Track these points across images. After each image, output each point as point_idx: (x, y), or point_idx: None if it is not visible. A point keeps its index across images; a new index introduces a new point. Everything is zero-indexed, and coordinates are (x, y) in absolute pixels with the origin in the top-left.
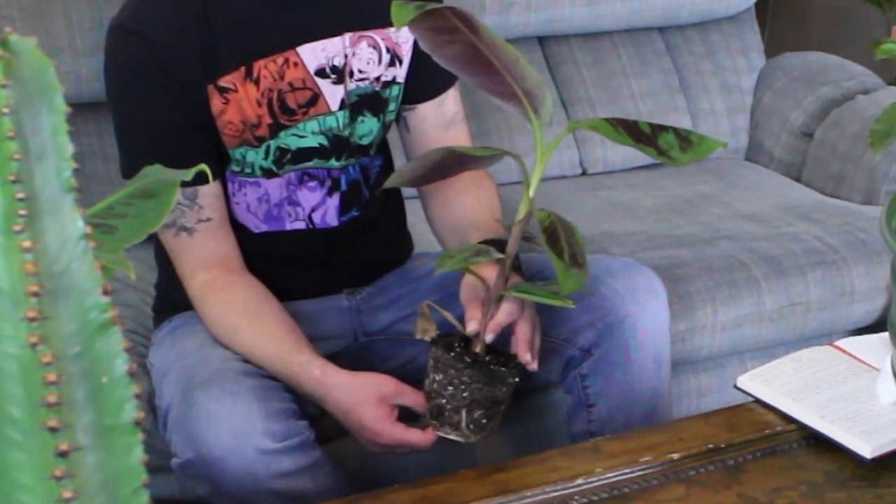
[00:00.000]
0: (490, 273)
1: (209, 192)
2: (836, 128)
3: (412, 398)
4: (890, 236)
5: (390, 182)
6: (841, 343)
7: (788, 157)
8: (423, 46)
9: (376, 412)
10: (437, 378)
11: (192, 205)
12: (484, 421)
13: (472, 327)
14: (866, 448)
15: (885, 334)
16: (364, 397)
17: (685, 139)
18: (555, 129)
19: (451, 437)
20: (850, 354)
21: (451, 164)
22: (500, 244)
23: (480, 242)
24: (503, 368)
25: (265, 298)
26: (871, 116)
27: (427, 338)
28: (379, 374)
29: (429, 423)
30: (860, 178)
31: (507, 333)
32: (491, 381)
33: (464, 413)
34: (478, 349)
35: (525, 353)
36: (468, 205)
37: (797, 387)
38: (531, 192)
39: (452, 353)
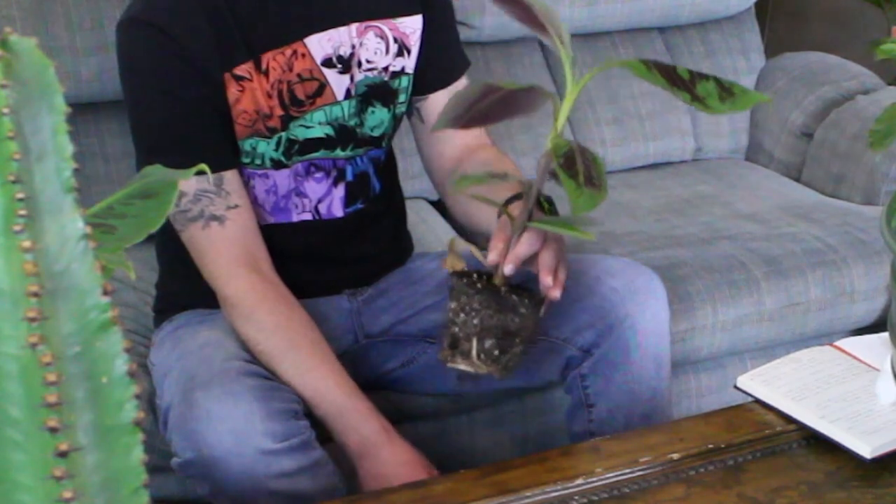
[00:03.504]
0: (516, 206)
1: (234, 178)
2: (836, 128)
3: None
4: (890, 236)
5: (438, 124)
6: (841, 343)
7: (788, 157)
8: None
9: (424, 476)
10: (451, 306)
11: (219, 191)
12: (496, 352)
13: (491, 257)
14: (866, 448)
15: (885, 334)
16: (420, 465)
17: (727, 89)
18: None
19: (462, 367)
20: (850, 354)
21: (490, 104)
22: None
23: (511, 197)
24: (514, 297)
25: (314, 324)
26: (871, 116)
27: (453, 270)
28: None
29: (444, 355)
30: (860, 178)
31: (536, 279)
32: (501, 308)
33: (474, 341)
34: (497, 281)
35: (546, 275)
36: (491, 166)
37: (797, 387)
38: (559, 126)
39: (467, 280)
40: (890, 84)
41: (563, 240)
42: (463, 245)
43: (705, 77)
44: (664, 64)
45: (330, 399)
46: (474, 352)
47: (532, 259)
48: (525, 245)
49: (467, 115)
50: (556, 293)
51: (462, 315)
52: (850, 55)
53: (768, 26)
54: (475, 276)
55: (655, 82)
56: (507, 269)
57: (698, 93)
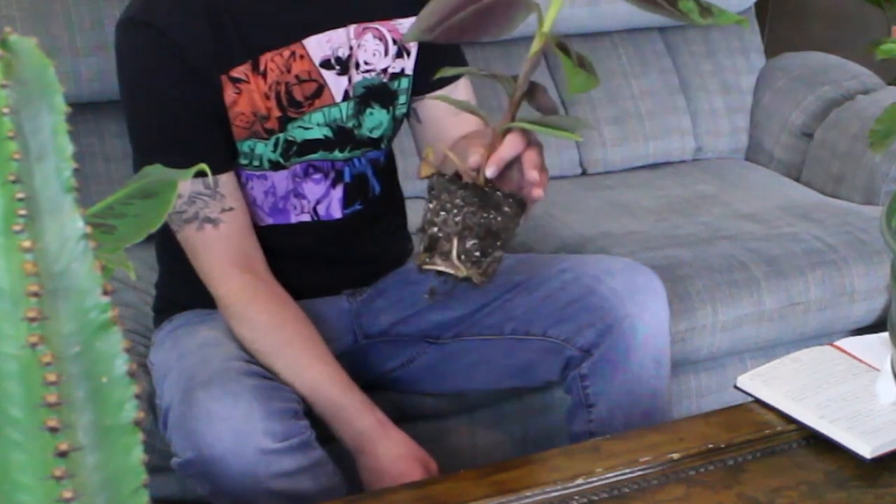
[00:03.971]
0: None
1: (229, 181)
2: (836, 128)
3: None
4: (890, 236)
5: (410, 34)
6: (841, 343)
7: (788, 157)
8: None
9: (421, 473)
10: (431, 206)
11: (213, 194)
12: (477, 254)
13: (473, 160)
14: (866, 448)
15: (885, 334)
16: (417, 457)
17: (706, 9)
18: None
19: (441, 268)
20: (850, 354)
21: (467, 17)
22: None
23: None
24: (498, 193)
25: (310, 321)
26: (871, 116)
27: (428, 176)
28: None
29: (420, 259)
30: (860, 178)
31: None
32: (485, 204)
33: (455, 241)
34: (479, 183)
35: (531, 170)
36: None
37: (797, 387)
38: (546, 28)
39: (447, 178)
40: (890, 84)
41: (542, 146)
42: (439, 152)
43: None
44: None
45: (325, 395)
46: (454, 251)
47: (511, 167)
48: (509, 146)
49: (441, 27)
50: (539, 192)
51: (443, 213)
52: (850, 55)
53: (768, 26)
54: (455, 174)
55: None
56: (490, 170)
57: (680, 7)
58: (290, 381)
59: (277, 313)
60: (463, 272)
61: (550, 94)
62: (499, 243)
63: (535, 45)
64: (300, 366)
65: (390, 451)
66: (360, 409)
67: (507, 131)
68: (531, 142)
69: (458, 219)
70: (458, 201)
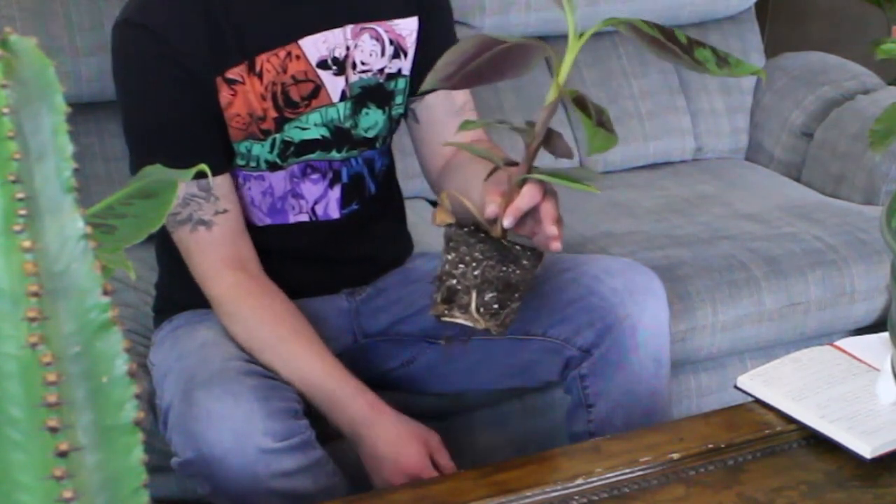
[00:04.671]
0: (514, 170)
1: (223, 183)
2: (836, 128)
3: (445, 462)
4: (890, 236)
5: (428, 82)
6: (841, 343)
7: (788, 157)
8: None
9: (419, 451)
10: (450, 258)
11: (207, 196)
12: (495, 306)
13: (490, 210)
14: (866, 448)
15: (885, 334)
16: (413, 436)
17: (723, 59)
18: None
19: (460, 320)
20: (850, 354)
21: (484, 63)
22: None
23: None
24: (517, 247)
25: (301, 314)
26: (871, 116)
27: (444, 224)
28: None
29: (438, 310)
30: (860, 178)
31: (529, 238)
32: (504, 258)
33: (474, 294)
34: (496, 235)
35: (550, 225)
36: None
37: (797, 387)
38: (561, 79)
39: (466, 230)
40: (890, 84)
41: (558, 195)
42: (455, 198)
43: (702, 44)
44: (664, 27)
45: (317, 385)
46: (473, 305)
47: (527, 217)
48: (527, 197)
49: (459, 74)
50: (558, 245)
51: (461, 266)
52: (850, 55)
53: (768, 26)
54: (473, 227)
55: (653, 34)
56: (507, 221)
57: (697, 57)
58: (284, 376)
59: (268, 308)
60: (482, 325)
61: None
62: (517, 295)
63: (551, 96)
64: (291, 358)
65: (385, 433)
66: (351, 395)
67: (524, 181)
68: (548, 192)
69: (476, 272)
70: (477, 255)
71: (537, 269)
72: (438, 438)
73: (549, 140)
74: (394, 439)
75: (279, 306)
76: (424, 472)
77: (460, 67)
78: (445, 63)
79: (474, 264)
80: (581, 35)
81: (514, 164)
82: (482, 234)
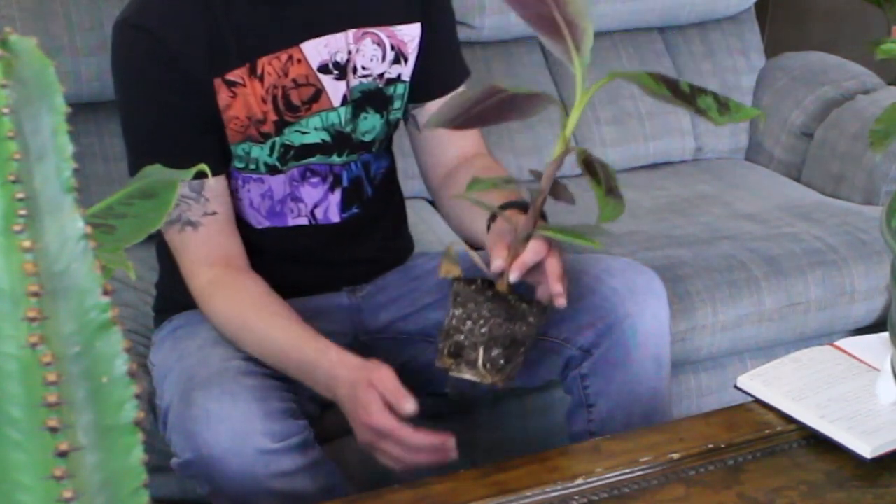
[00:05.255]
0: (518, 218)
1: (215, 186)
2: (836, 128)
3: (396, 402)
4: (890, 236)
5: (433, 122)
6: (841, 343)
7: (788, 157)
8: None
9: (378, 399)
10: (457, 313)
11: (198, 197)
12: (502, 362)
13: (496, 265)
14: (866, 448)
15: (885, 334)
16: (362, 377)
17: (724, 105)
18: (550, 127)
19: (467, 376)
20: (850, 354)
21: (490, 107)
22: (524, 205)
23: (504, 204)
24: (524, 305)
25: (272, 293)
26: (871, 116)
27: (450, 276)
28: (387, 365)
29: (445, 363)
30: (860, 178)
31: (533, 286)
32: (511, 316)
33: (481, 350)
34: (501, 289)
35: (556, 283)
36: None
37: (797, 387)
38: (568, 133)
39: (474, 287)
40: (890, 84)
41: (563, 249)
42: (460, 250)
43: (704, 91)
44: (668, 77)
45: (288, 360)
46: (480, 361)
47: (534, 269)
48: (532, 253)
49: (463, 117)
50: (563, 301)
51: (469, 323)
52: (850, 55)
53: (768, 26)
54: (480, 282)
55: (661, 94)
56: (513, 276)
57: (700, 105)
58: (260, 357)
59: (233, 298)
60: (488, 380)
61: (552, 95)
62: (522, 350)
63: (558, 150)
64: (261, 341)
65: (347, 386)
66: (316, 357)
67: (530, 236)
68: (553, 246)
69: (484, 330)
70: (485, 313)
71: (543, 321)
72: (389, 376)
73: (554, 189)
74: (350, 394)
75: (244, 293)
76: (374, 411)
77: (464, 112)
78: (451, 107)
79: (482, 321)
80: (588, 90)
81: (516, 204)
82: (489, 293)
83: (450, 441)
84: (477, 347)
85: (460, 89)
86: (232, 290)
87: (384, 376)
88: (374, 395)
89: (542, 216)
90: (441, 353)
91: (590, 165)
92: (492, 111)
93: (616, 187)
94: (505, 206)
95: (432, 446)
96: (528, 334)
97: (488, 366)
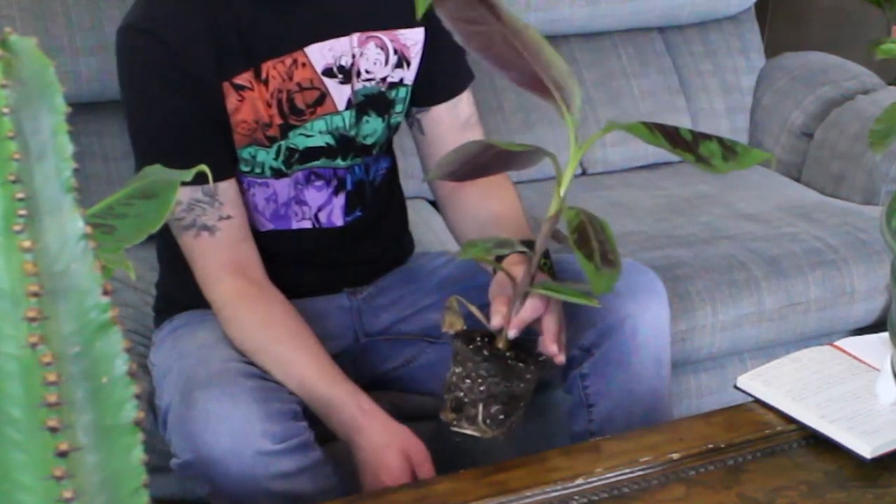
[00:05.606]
0: (520, 271)
1: (228, 189)
2: (836, 128)
3: (426, 472)
4: (890, 236)
5: (432, 175)
6: (841, 343)
7: (788, 157)
8: (456, 38)
9: (399, 465)
10: (457, 371)
11: (212, 201)
12: (501, 416)
13: (495, 321)
14: (866, 448)
15: (885, 334)
16: (397, 447)
17: (729, 149)
18: (550, 128)
19: (468, 431)
20: (850, 354)
21: (488, 160)
22: (530, 245)
23: (510, 250)
24: (521, 364)
25: (300, 318)
26: (871, 116)
27: (453, 331)
28: (419, 439)
29: (448, 418)
30: (860, 178)
31: (536, 334)
32: (508, 375)
33: (480, 407)
34: (501, 344)
35: (551, 344)
36: (493, 209)
37: (797, 387)
38: (562, 191)
39: (471, 346)
40: (890, 84)
41: (562, 303)
42: (463, 305)
43: (708, 137)
44: (666, 126)
45: (311, 387)
46: (480, 417)
47: (535, 321)
48: (529, 310)
49: (463, 170)
50: (561, 358)
51: (468, 381)
52: (850, 55)
53: (768, 26)
54: (479, 339)
55: (658, 144)
56: (511, 333)
57: (701, 153)
58: (279, 378)
59: (264, 312)
60: (489, 435)
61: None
62: (522, 404)
63: (553, 209)
64: (286, 362)
65: (373, 440)
66: (346, 400)
67: (527, 294)
68: (550, 302)
69: (482, 388)
70: (482, 372)
71: (541, 375)
72: (424, 450)
73: (556, 236)
74: (377, 448)
75: (277, 308)
76: (402, 479)
77: (465, 164)
78: (450, 160)
79: (480, 380)
80: (582, 146)
81: (525, 243)
82: (486, 353)
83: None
84: (476, 404)
85: (465, 93)
86: (264, 304)
87: (420, 450)
88: (402, 463)
89: (547, 255)
90: (444, 407)
91: (582, 232)
92: (492, 162)
93: (612, 251)
94: (513, 248)
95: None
96: (525, 390)
97: (488, 421)
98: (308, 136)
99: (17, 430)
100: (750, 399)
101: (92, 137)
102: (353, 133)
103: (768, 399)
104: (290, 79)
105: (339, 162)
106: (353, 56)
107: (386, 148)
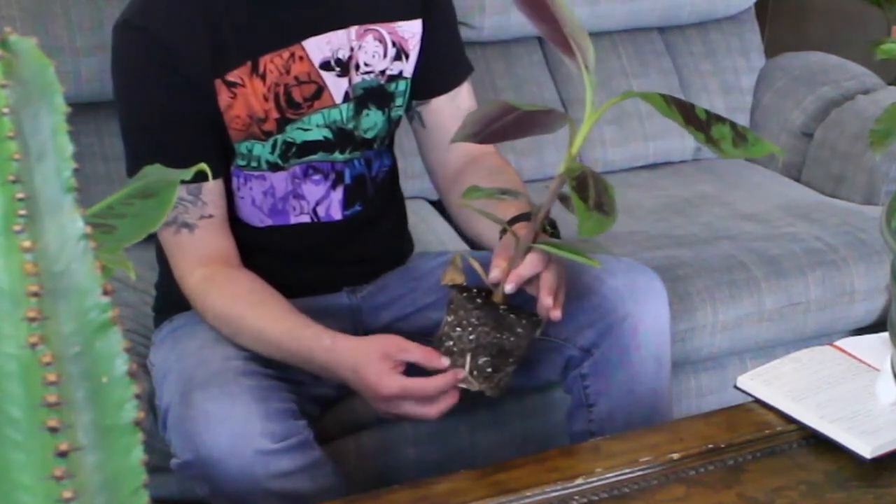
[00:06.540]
0: (524, 232)
1: (213, 189)
2: (836, 128)
3: (419, 354)
4: (890, 236)
5: (456, 136)
6: (841, 343)
7: (788, 157)
8: None
9: (378, 367)
10: (449, 319)
11: (195, 200)
12: (489, 370)
13: (494, 275)
14: (866, 448)
15: (885, 334)
16: (367, 355)
17: (741, 135)
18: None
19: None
20: (850, 354)
21: (508, 125)
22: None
23: (517, 216)
24: (512, 315)
25: (264, 285)
26: (871, 116)
27: (452, 284)
28: (386, 334)
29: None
30: (860, 178)
31: (534, 298)
32: (498, 325)
33: (468, 357)
34: (497, 298)
35: (546, 297)
36: (497, 185)
37: (797, 387)
38: (574, 150)
39: (466, 294)
40: (890, 84)
41: (563, 262)
42: (466, 259)
43: (722, 120)
44: (683, 101)
45: (287, 351)
46: (467, 367)
47: (532, 280)
48: (529, 266)
49: (485, 132)
50: (556, 313)
51: (458, 329)
52: (850, 55)
53: (768, 26)
54: (475, 290)
55: (672, 117)
56: (509, 287)
57: (713, 134)
58: (260, 351)
59: (230, 294)
60: (475, 387)
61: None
62: (511, 360)
63: (563, 166)
64: (259, 335)
65: (349, 369)
66: (312, 347)
67: (529, 249)
68: (551, 260)
69: (472, 336)
70: (473, 320)
71: (533, 334)
72: (396, 341)
73: (563, 200)
74: (357, 374)
75: (240, 285)
76: (384, 378)
77: (487, 125)
78: (473, 121)
79: (469, 329)
80: (598, 109)
81: (530, 215)
82: (479, 301)
83: (459, 372)
84: (464, 354)
85: (464, 85)
86: (226, 286)
87: (392, 343)
88: (386, 367)
89: (553, 225)
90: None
91: (583, 182)
92: (512, 126)
93: (608, 203)
94: (518, 218)
95: (449, 384)
96: (516, 345)
97: (475, 373)
98: (305, 129)
99: (17, 430)
100: (750, 399)
101: (92, 137)
102: (351, 126)
103: (768, 399)
104: (288, 72)
105: (337, 156)
106: (352, 49)
107: (388, 144)
